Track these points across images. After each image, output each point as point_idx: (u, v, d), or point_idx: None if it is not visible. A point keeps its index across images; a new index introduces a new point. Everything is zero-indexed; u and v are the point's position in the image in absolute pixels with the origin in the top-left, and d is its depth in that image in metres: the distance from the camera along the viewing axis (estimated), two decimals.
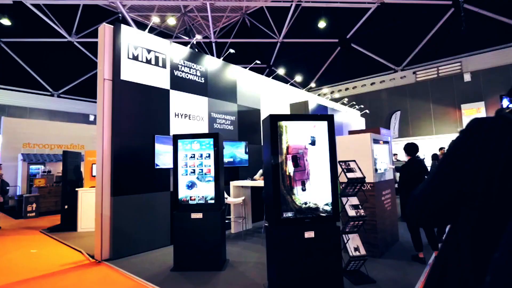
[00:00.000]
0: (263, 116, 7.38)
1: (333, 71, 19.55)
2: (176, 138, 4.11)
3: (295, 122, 3.25)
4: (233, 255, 4.53)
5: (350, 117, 9.68)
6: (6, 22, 13.61)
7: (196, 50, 19.76)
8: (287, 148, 3.22)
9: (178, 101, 5.54)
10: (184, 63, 5.72)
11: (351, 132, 5.49)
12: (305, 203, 3.22)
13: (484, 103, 13.71)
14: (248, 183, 5.73)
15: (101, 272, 4.05)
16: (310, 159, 3.29)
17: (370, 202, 4.29)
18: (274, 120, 3.20)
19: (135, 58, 4.92)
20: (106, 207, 4.50)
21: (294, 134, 3.25)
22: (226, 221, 5.83)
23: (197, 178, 4.10)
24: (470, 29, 14.32)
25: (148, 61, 5.11)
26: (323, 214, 3.23)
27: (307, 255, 3.11)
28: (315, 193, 3.23)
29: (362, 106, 13.90)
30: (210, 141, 4.08)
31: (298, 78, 15.16)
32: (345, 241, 3.61)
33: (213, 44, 18.34)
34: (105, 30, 4.69)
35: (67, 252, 5.07)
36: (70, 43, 15.87)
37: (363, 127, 12.16)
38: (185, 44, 20.29)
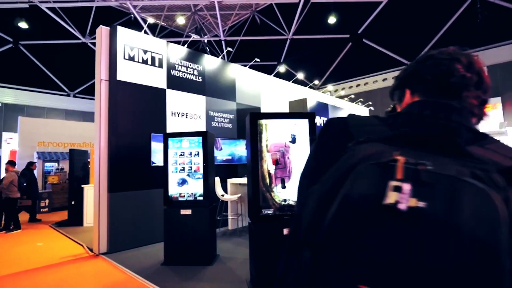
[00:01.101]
0: None
1: (344, 67, 19.27)
2: (167, 136, 4.23)
3: (275, 120, 3.28)
4: (225, 251, 4.62)
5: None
6: (23, 25, 14.25)
7: (207, 49, 19.66)
8: (267, 146, 3.25)
9: (175, 100, 5.66)
10: (181, 62, 5.84)
11: None
12: (285, 201, 3.25)
13: (501, 99, 13.18)
14: (245, 180, 5.79)
15: (97, 264, 4.23)
16: (292, 157, 3.31)
17: None
18: (254, 118, 3.24)
19: (131, 58, 5.07)
20: (103, 203, 4.69)
21: (274, 132, 3.28)
22: (225, 218, 5.94)
23: (188, 175, 4.20)
24: (487, 21, 13.77)
25: (145, 62, 5.25)
26: None
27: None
28: (295, 190, 3.25)
29: (370, 102, 13.66)
30: (199, 139, 4.16)
31: (309, 75, 15.07)
32: None
33: (223, 43, 18.45)
34: (101, 32, 4.86)
35: (70, 245, 5.32)
36: (84, 44, 16.40)
37: None
38: (194, 43, 20.44)
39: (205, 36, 19.58)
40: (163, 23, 18.49)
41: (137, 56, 5.15)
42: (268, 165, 3.25)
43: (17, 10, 13.84)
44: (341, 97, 13.15)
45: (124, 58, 4.98)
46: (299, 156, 3.32)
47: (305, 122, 3.33)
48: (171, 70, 5.65)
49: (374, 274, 0.37)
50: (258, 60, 7.41)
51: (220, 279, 3.56)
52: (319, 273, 0.41)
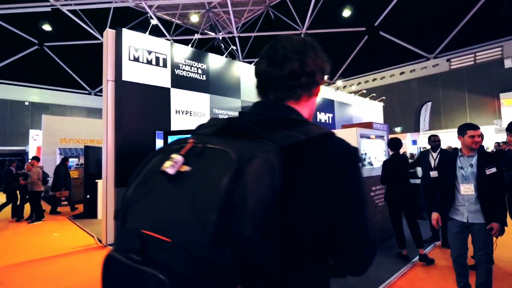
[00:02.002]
0: None
1: (360, 61, 18.85)
2: (166, 134, 4.41)
3: None
4: None
5: (363, 110, 9.38)
6: (47, 27, 15.04)
7: (222, 46, 19.76)
8: None
9: (179, 98, 5.84)
10: (185, 62, 6.00)
11: (344, 127, 5.41)
12: None
13: None
14: None
15: (103, 255, 4.50)
16: None
17: None
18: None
19: (136, 59, 5.28)
20: (110, 197, 4.96)
21: None
22: None
23: None
24: None
25: (149, 62, 5.46)
26: None
27: None
28: None
29: (383, 97, 13.33)
30: None
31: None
32: None
33: (236, 39, 18.57)
34: (108, 34, 5.10)
35: (83, 236, 5.66)
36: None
37: (381, 120, 11.70)
38: (209, 40, 20.52)
39: (220, 33, 19.77)
40: (178, 21, 18.86)
41: (142, 57, 5.36)
42: None
43: (41, 14, 14.60)
44: (354, 92, 12.90)
45: (129, 59, 5.19)
46: None
47: None
48: (175, 70, 5.83)
49: (152, 222, 0.51)
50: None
51: None
52: (120, 228, 0.57)
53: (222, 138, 0.58)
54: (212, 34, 19.38)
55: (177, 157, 0.53)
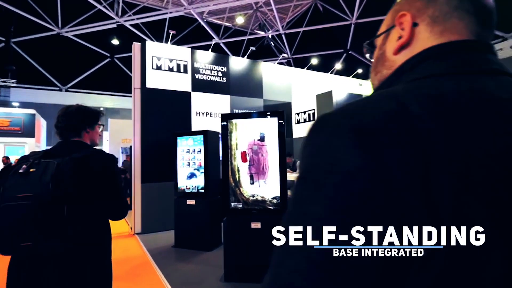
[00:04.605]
0: (294, 109, 7.42)
1: None
2: (175, 135, 4.82)
3: (243, 120, 3.47)
4: None
5: None
6: (115, 42, 17.21)
7: (272, 44, 19.70)
8: (236, 144, 3.48)
9: (199, 101, 6.24)
10: (205, 66, 6.38)
11: None
12: (253, 196, 3.43)
13: None
14: None
15: (129, 241, 5.16)
16: (266, 155, 3.45)
17: None
18: (225, 118, 3.50)
19: (159, 68, 5.83)
20: (138, 192, 5.60)
21: (244, 131, 3.47)
22: None
23: (195, 169, 4.71)
24: None
25: (170, 69, 5.97)
26: (270, 207, 3.38)
27: (254, 245, 3.33)
28: (263, 186, 3.40)
29: None
30: (201, 137, 4.61)
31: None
32: None
33: (283, 36, 18.46)
34: (134, 47, 5.75)
35: (123, 225, 6.49)
36: None
37: None
38: (259, 39, 20.76)
39: (269, 32, 19.91)
40: (227, 24, 19.58)
41: (164, 65, 5.89)
42: (237, 162, 3.48)
43: (110, 30, 16.76)
44: None
45: (153, 68, 5.77)
46: (270, 153, 3.44)
47: (274, 121, 3.42)
48: (195, 74, 6.24)
49: (20, 191, 1.18)
50: (286, 55, 7.42)
51: (209, 264, 3.98)
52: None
53: (47, 157, 1.30)
54: (262, 33, 19.61)
55: (23, 165, 1.24)
